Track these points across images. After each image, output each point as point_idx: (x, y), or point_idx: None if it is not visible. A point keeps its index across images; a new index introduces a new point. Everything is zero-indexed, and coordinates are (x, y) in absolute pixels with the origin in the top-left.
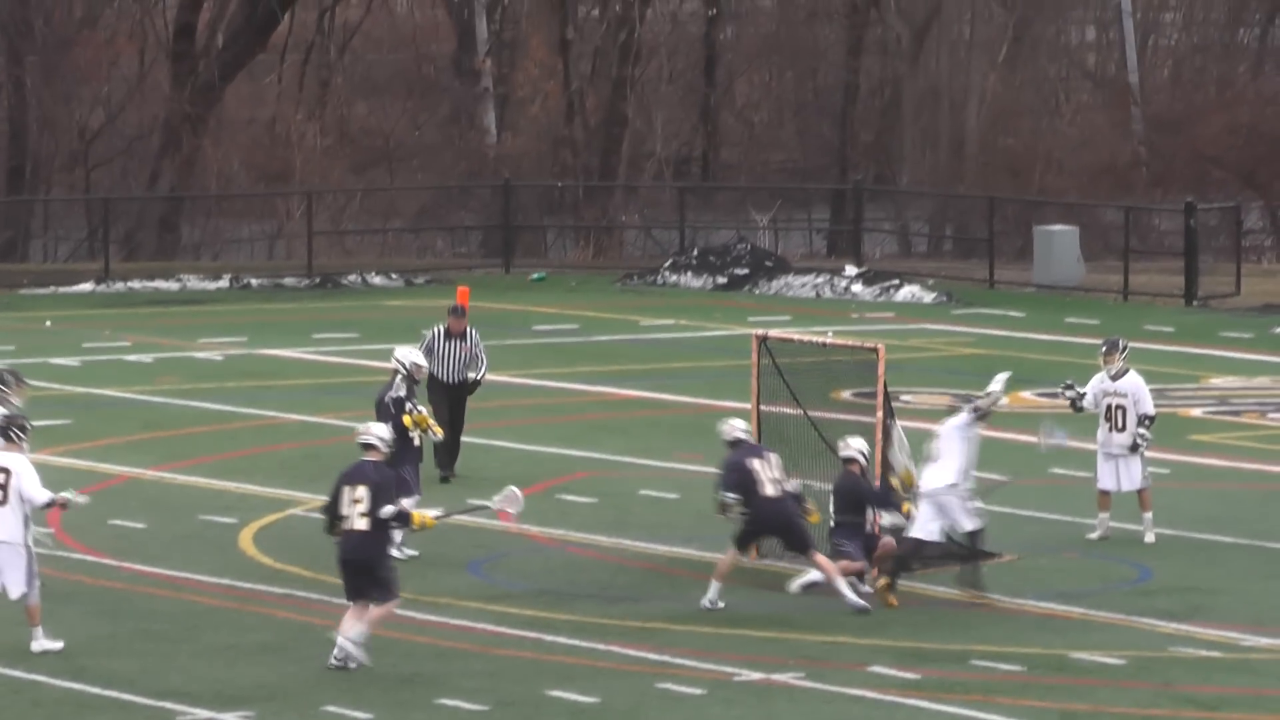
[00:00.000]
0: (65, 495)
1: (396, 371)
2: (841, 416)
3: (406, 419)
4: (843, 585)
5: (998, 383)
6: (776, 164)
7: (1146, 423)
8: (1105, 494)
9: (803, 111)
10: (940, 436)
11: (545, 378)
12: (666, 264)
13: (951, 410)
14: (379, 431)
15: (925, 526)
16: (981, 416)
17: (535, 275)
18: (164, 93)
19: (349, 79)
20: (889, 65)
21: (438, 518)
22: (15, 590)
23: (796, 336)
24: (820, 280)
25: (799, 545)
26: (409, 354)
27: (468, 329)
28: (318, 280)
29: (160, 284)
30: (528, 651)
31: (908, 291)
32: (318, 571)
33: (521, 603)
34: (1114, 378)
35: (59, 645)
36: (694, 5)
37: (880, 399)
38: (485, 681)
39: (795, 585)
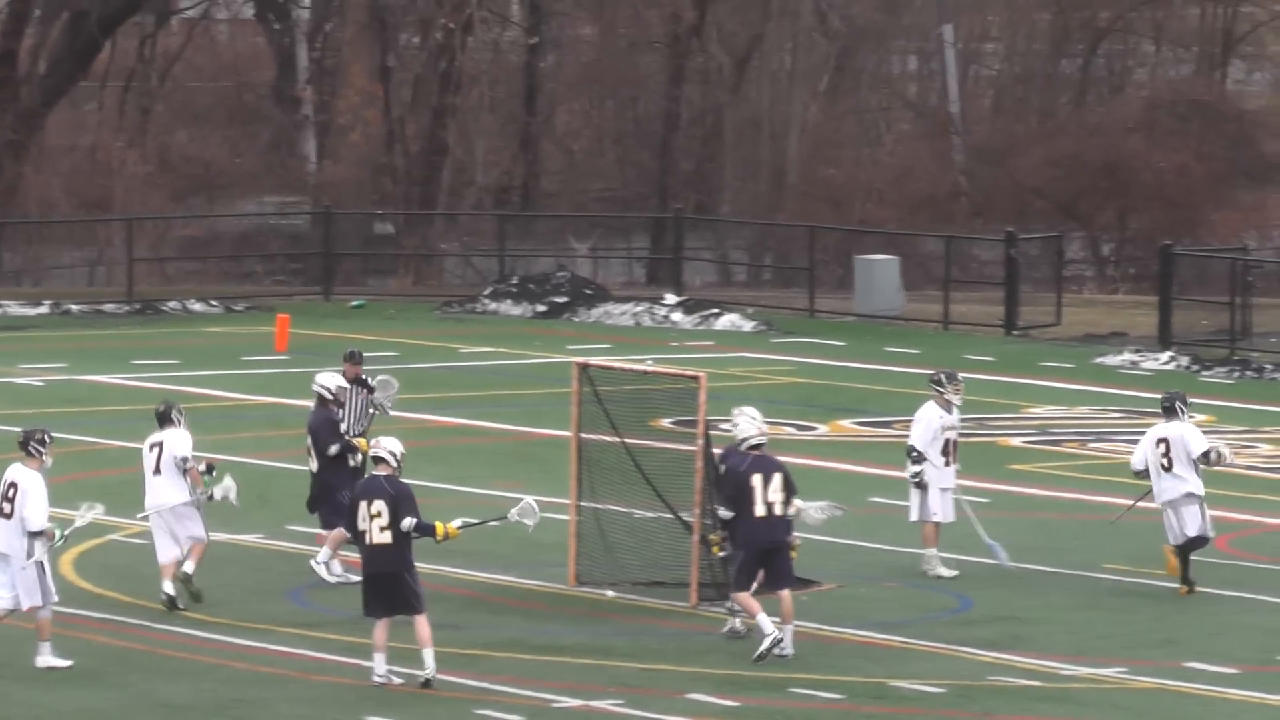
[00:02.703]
0: (54, 530)
1: (320, 398)
2: (661, 445)
3: (362, 442)
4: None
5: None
6: (596, 192)
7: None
8: (936, 526)
9: (623, 140)
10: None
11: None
12: (486, 292)
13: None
14: (390, 445)
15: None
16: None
17: (355, 303)
18: None
19: (170, 106)
20: (710, 94)
21: (460, 528)
22: (26, 602)
23: (618, 364)
24: (640, 309)
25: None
26: (332, 379)
27: (362, 374)
28: (138, 306)
29: None
30: (348, 678)
31: (728, 320)
32: (137, 597)
33: (341, 629)
34: (951, 411)
35: (67, 662)
36: (515, 34)
37: (701, 428)
38: (305, 708)
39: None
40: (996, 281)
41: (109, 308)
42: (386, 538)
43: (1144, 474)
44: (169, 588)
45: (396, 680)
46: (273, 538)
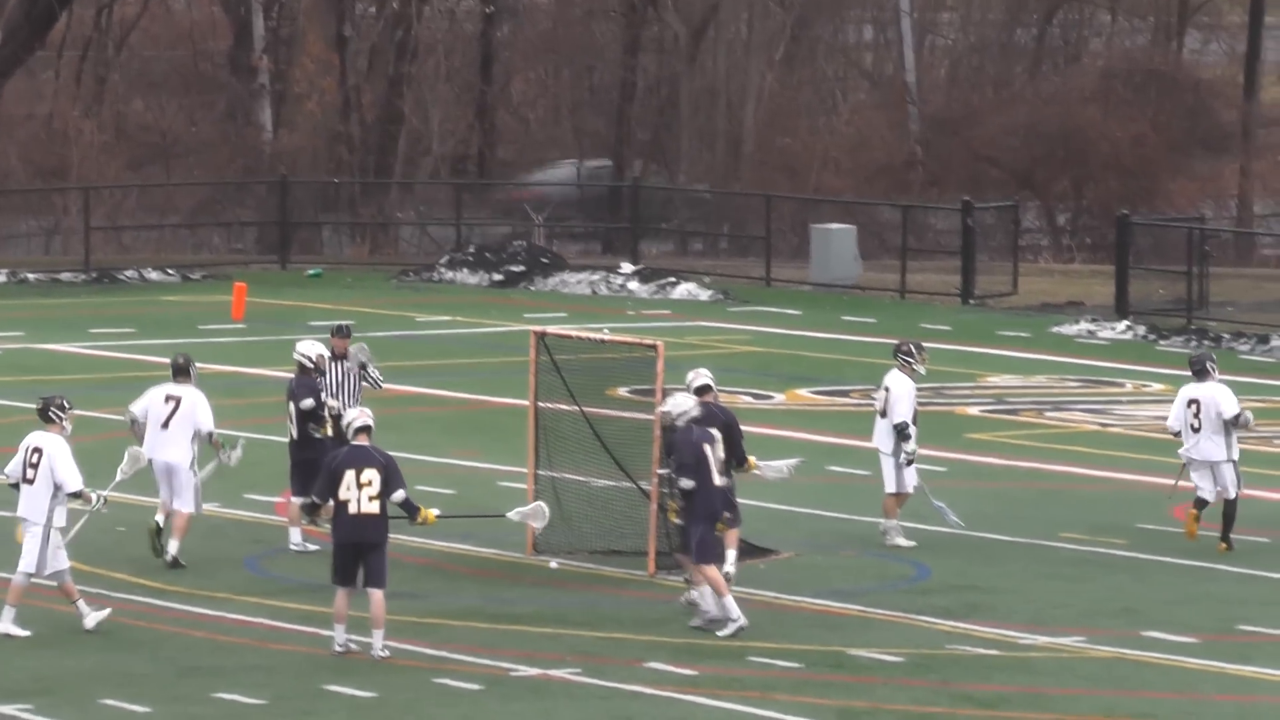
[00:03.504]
0: (92, 494)
1: (301, 365)
2: (618, 413)
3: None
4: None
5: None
6: (552, 161)
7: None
8: (897, 497)
9: (579, 109)
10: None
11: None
12: (443, 260)
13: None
14: (370, 414)
15: None
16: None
17: (311, 271)
18: None
19: (126, 76)
20: (666, 64)
21: (439, 515)
22: (24, 564)
23: (575, 333)
24: (596, 278)
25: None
26: (312, 347)
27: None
28: (95, 276)
29: None
30: (305, 646)
31: (684, 289)
32: (95, 565)
33: (298, 598)
34: (918, 382)
35: (106, 612)
36: (471, 3)
37: (659, 396)
38: (263, 676)
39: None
40: (953, 251)
41: (66, 276)
42: (375, 507)
43: (1179, 433)
44: (174, 548)
45: (354, 647)
46: (230, 506)
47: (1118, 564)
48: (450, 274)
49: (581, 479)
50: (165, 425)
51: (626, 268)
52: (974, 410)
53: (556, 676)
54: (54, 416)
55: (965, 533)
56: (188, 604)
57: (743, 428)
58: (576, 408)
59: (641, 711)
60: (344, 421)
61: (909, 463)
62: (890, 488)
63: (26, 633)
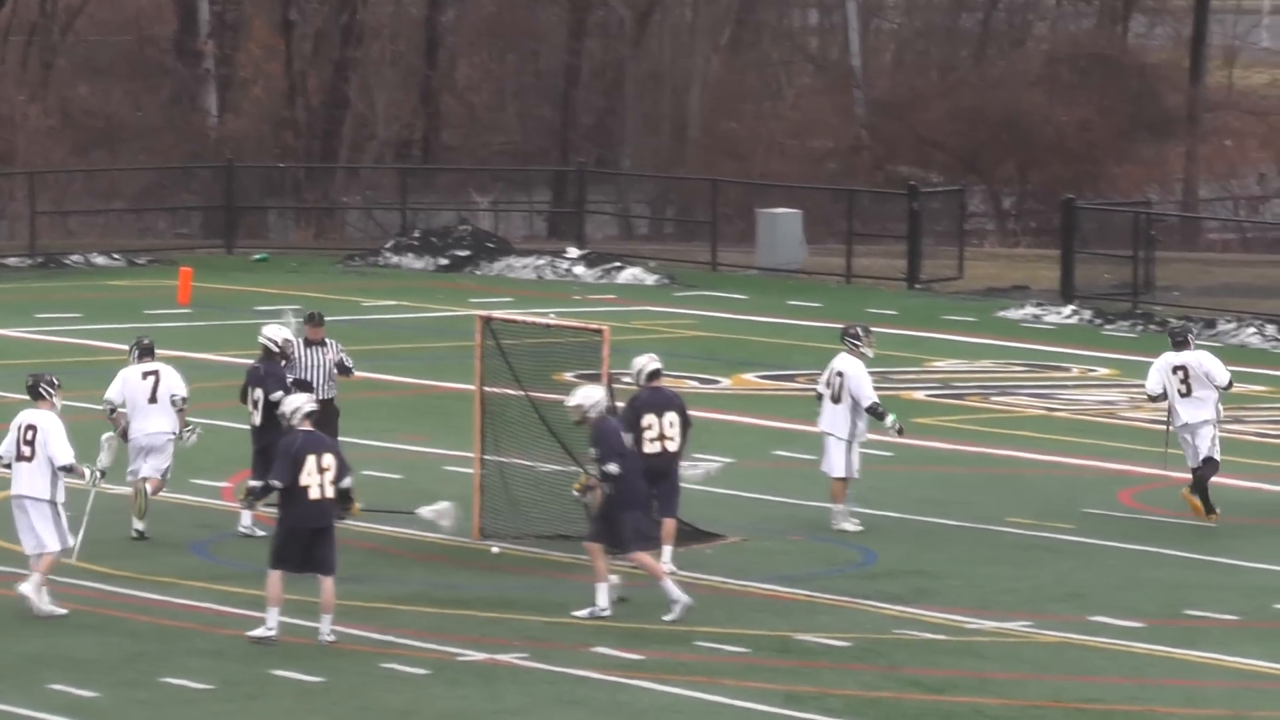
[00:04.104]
0: (85, 469)
1: (267, 350)
2: (565, 398)
3: None
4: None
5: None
6: (498, 146)
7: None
8: (845, 481)
9: (524, 94)
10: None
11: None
12: (388, 245)
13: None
14: (312, 399)
15: None
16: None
17: (258, 256)
18: None
19: (72, 61)
20: (611, 48)
21: (362, 509)
22: (52, 545)
23: (521, 318)
24: (542, 262)
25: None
26: (279, 331)
27: (326, 337)
28: (41, 260)
29: None
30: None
31: (630, 274)
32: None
33: (245, 582)
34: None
35: (60, 613)
36: None
37: (605, 381)
38: (210, 661)
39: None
40: (898, 235)
41: (11, 261)
42: (330, 493)
43: (1160, 398)
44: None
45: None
46: (177, 491)
47: (1064, 549)
48: (396, 258)
49: (528, 464)
50: (153, 399)
51: (572, 252)
52: (920, 395)
53: (503, 661)
54: (45, 393)
55: (912, 518)
56: (134, 589)
57: (690, 413)
58: (523, 392)
59: (588, 696)
60: (288, 407)
61: (900, 431)
62: (839, 472)
63: (64, 611)
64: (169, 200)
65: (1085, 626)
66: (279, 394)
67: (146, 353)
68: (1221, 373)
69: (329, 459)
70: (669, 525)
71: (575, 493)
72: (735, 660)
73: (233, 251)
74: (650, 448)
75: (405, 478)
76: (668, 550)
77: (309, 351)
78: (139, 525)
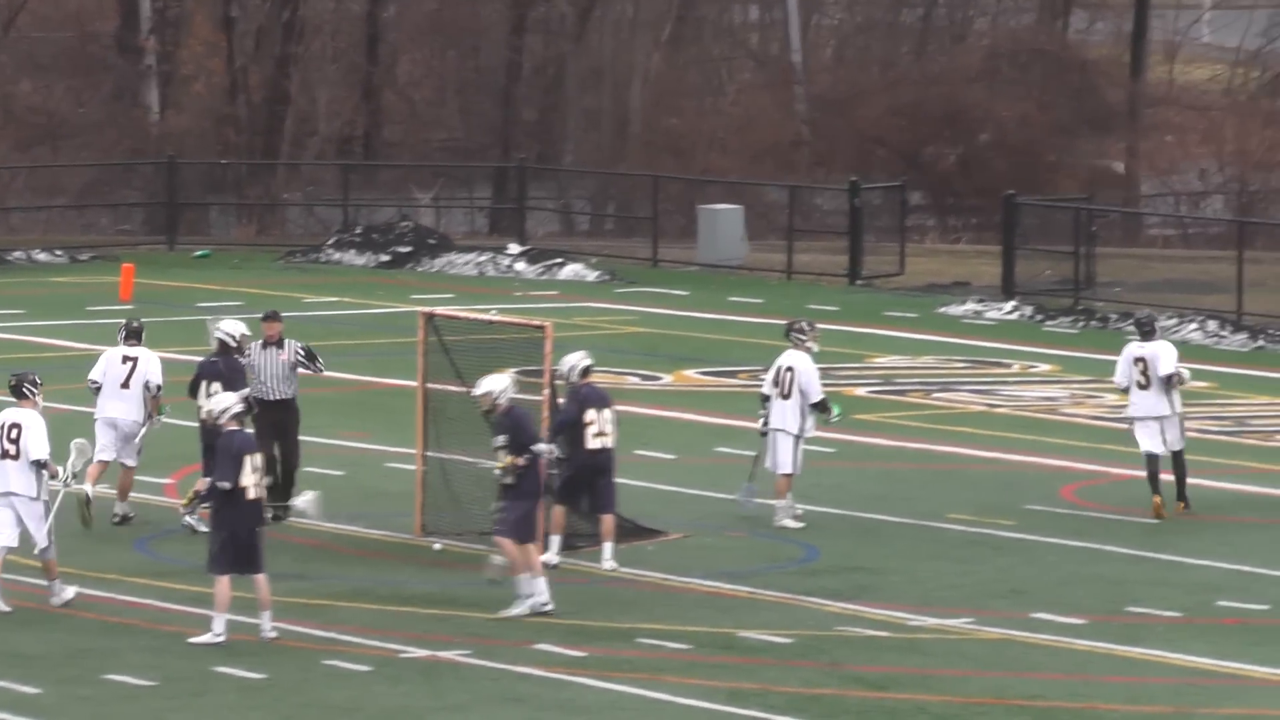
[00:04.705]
0: (57, 468)
1: (224, 344)
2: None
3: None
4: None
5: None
6: (439, 142)
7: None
8: (789, 477)
9: (465, 90)
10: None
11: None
12: (330, 241)
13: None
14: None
15: None
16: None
17: (199, 252)
18: None
19: (13, 57)
20: (552, 44)
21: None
22: (42, 542)
23: (463, 314)
24: (483, 258)
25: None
26: (235, 326)
27: (284, 337)
28: None
29: None
30: (195, 628)
31: (571, 270)
32: None
33: (188, 579)
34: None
35: (73, 592)
36: None
37: (547, 377)
38: (152, 657)
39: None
40: (840, 231)
41: None
42: (264, 492)
43: (1127, 390)
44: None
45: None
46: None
47: (1006, 545)
48: (337, 255)
49: (470, 460)
50: (125, 384)
51: (514, 248)
52: (862, 391)
53: (445, 658)
54: (28, 392)
55: (854, 514)
56: (77, 585)
57: (631, 409)
58: (465, 389)
59: (531, 693)
60: (217, 407)
61: (837, 420)
62: (788, 468)
63: (73, 591)
64: (111, 196)
65: (1027, 623)
66: (247, 390)
67: (133, 336)
68: (1165, 365)
69: (259, 459)
70: (608, 521)
71: (498, 473)
72: (678, 657)
73: (174, 248)
74: (593, 443)
75: (347, 474)
76: (608, 546)
77: (265, 351)
78: (121, 509)
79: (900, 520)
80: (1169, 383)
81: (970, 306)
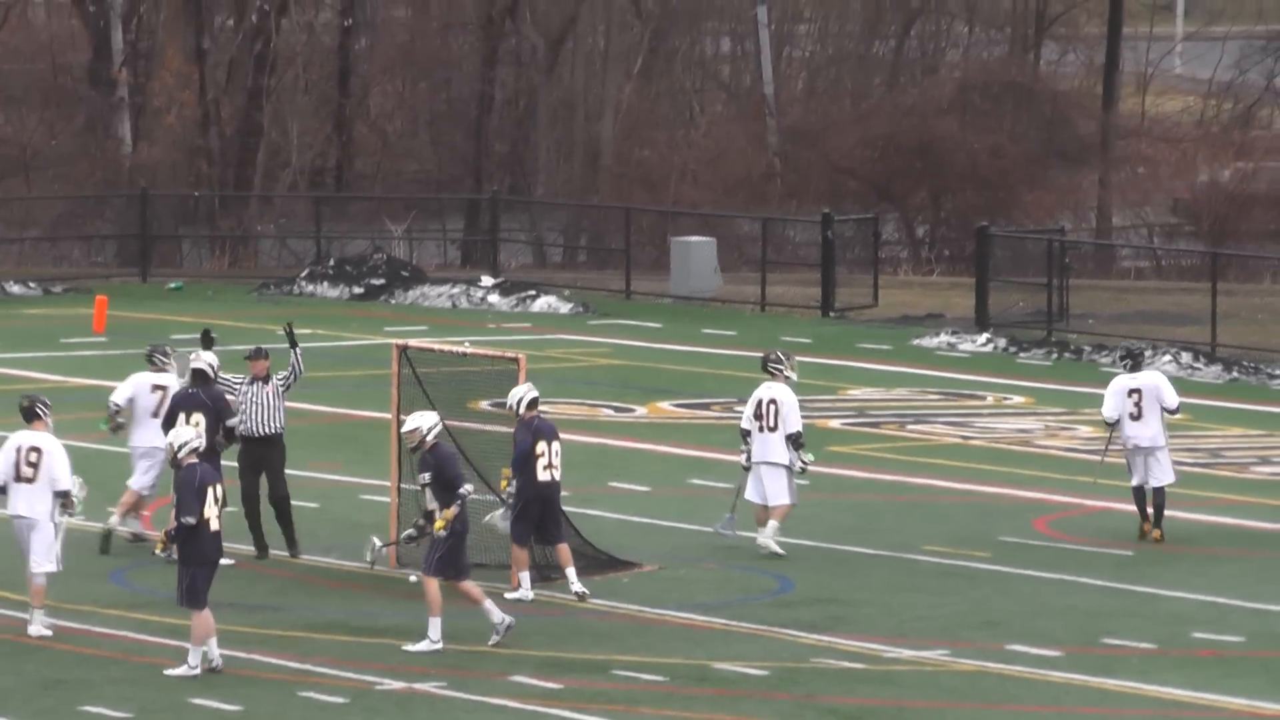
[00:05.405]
0: (76, 494)
1: (203, 374)
2: (479, 426)
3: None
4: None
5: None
6: (411, 174)
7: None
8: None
9: (437, 122)
10: None
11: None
12: (303, 273)
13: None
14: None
15: None
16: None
17: (173, 284)
18: None
19: None
20: (524, 76)
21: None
22: (40, 565)
23: (438, 346)
24: (456, 290)
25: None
26: (210, 357)
27: (270, 372)
28: None
29: None
30: (170, 660)
31: (544, 302)
32: None
33: (163, 610)
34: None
35: (49, 632)
36: (329, 16)
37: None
38: (128, 689)
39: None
40: (812, 263)
41: None
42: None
43: (1116, 423)
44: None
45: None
46: (94, 519)
47: (981, 576)
48: (310, 287)
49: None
50: (155, 414)
51: (487, 281)
52: (835, 423)
53: (421, 690)
54: (41, 413)
55: (828, 545)
56: (53, 616)
57: (604, 441)
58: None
59: None
60: (176, 441)
61: (803, 470)
62: (787, 499)
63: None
64: (84, 228)
65: (1002, 655)
66: (235, 420)
67: (158, 362)
68: (1172, 397)
69: (221, 489)
70: (564, 550)
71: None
72: (653, 689)
73: (147, 280)
74: (543, 475)
75: (320, 506)
76: (571, 571)
77: (253, 387)
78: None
79: (875, 552)
80: (1172, 413)
81: (944, 338)
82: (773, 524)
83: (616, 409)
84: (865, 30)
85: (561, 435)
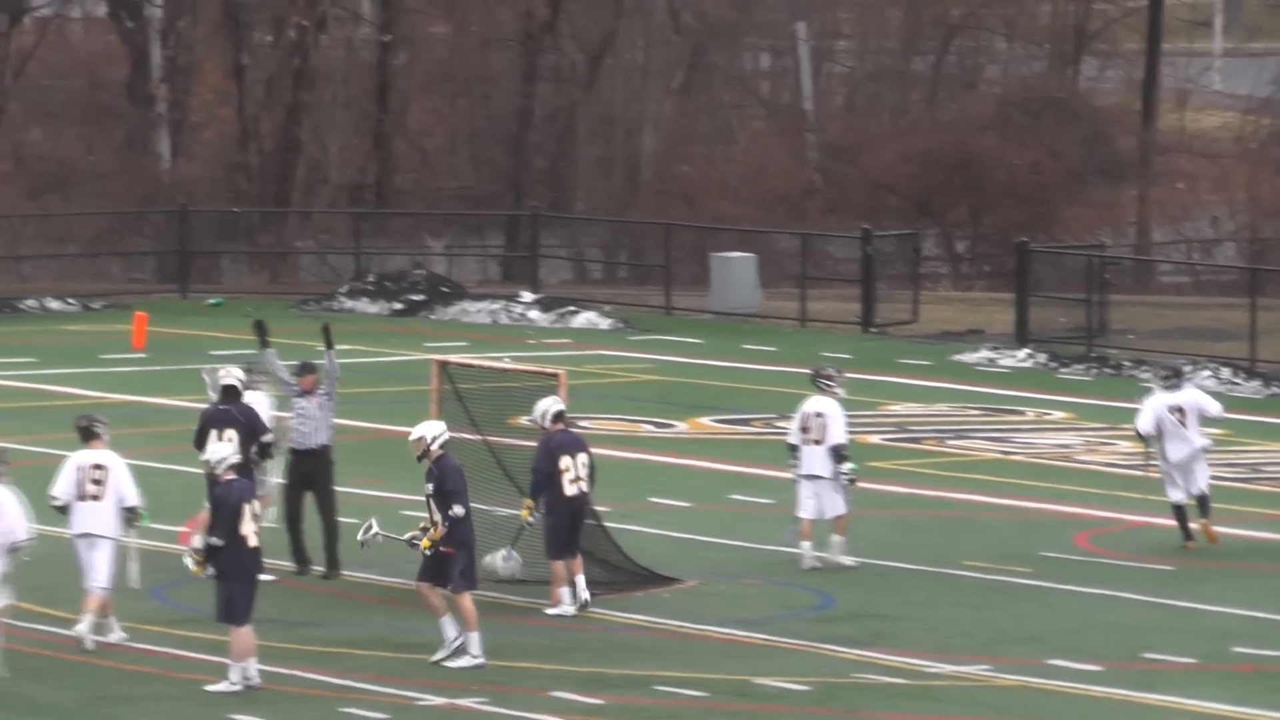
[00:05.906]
0: (142, 514)
1: (234, 389)
2: (520, 442)
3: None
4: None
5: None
6: (450, 190)
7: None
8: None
9: (476, 138)
10: None
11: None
12: (343, 289)
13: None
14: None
15: None
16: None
17: (212, 300)
18: None
19: (24, 105)
20: (563, 91)
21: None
22: (100, 579)
23: (477, 362)
24: (496, 306)
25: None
26: (240, 373)
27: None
28: None
29: None
30: (211, 676)
31: (584, 318)
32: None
33: (204, 627)
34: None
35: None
36: (367, 31)
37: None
38: (169, 705)
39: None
40: (852, 279)
41: None
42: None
43: (1150, 438)
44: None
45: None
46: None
47: (1022, 592)
48: (350, 303)
49: (484, 508)
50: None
51: (527, 296)
52: (876, 438)
53: (462, 705)
54: (100, 431)
55: (869, 561)
56: (94, 633)
57: (646, 457)
58: (479, 436)
59: None
60: (214, 457)
61: (851, 482)
62: (842, 509)
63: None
64: (123, 244)
65: (1043, 670)
66: (270, 435)
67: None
68: (1213, 404)
69: (256, 505)
70: (577, 561)
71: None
72: (695, 704)
73: (187, 296)
74: (570, 490)
75: (360, 523)
76: (581, 579)
77: (303, 401)
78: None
79: (916, 567)
80: (1217, 419)
81: (984, 354)
82: (837, 539)
83: (657, 424)
84: (904, 46)
85: (602, 451)
